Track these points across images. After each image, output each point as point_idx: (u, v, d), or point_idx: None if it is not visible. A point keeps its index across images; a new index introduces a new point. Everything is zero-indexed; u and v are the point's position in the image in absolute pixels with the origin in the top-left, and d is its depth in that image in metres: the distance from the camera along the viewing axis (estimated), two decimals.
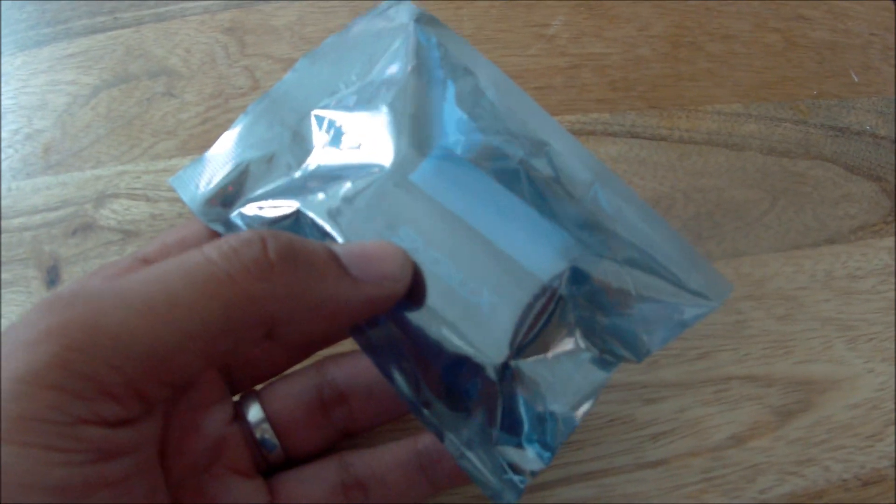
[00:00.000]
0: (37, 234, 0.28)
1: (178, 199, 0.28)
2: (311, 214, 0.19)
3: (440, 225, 0.19)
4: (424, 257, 0.19)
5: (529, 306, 0.19)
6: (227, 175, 0.21)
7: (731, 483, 0.25)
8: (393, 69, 0.21)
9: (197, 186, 0.21)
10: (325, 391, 0.22)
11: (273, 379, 0.23)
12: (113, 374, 0.14)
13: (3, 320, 0.27)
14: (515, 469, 0.19)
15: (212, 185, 0.21)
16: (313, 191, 0.20)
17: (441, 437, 0.19)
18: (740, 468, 0.25)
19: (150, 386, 0.15)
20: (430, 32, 0.21)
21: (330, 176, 0.20)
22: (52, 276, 0.28)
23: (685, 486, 0.25)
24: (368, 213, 0.19)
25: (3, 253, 0.28)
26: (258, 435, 0.21)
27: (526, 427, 0.19)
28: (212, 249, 0.16)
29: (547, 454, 0.19)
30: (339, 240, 0.19)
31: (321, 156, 0.21)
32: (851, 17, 0.35)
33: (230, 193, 0.21)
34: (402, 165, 0.20)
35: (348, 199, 0.19)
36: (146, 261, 0.20)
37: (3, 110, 0.31)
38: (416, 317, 0.19)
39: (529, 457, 0.19)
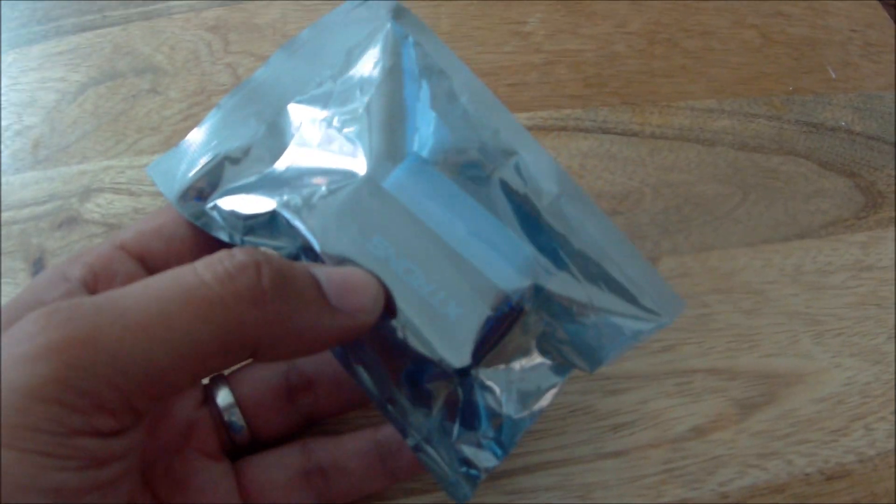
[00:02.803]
0: (25, 227, 0.29)
1: (160, 194, 0.29)
2: (286, 215, 0.20)
3: (412, 235, 0.20)
4: (396, 266, 0.19)
5: (493, 318, 0.19)
6: (204, 166, 0.21)
7: (691, 474, 0.25)
8: (369, 68, 0.22)
9: (174, 177, 0.21)
10: (293, 377, 0.23)
11: (241, 364, 0.24)
12: (110, 391, 0.15)
13: None
14: (471, 465, 0.20)
15: (189, 176, 0.21)
16: (289, 190, 0.20)
17: (403, 432, 0.20)
18: (701, 460, 0.26)
19: (141, 401, 0.16)
20: (408, 30, 0.22)
21: (305, 176, 0.21)
22: (37, 268, 0.29)
23: (645, 477, 0.25)
24: (343, 218, 0.20)
25: None
26: (226, 418, 0.22)
27: (482, 427, 0.20)
28: (206, 271, 0.16)
29: (500, 451, 0.20)
30: (314, 242, 0.20)
31: (297, 153, 0.21)
32: (832, 13, 0.35)
33: (207, 185, 0.21)
34: (375, 172, 0.20)
35: (324, 204, 0.20)
36: (123, 247, 0.21)
37: None
38: (386, 323, 0.19)
39: (484, 454, 0.20)
